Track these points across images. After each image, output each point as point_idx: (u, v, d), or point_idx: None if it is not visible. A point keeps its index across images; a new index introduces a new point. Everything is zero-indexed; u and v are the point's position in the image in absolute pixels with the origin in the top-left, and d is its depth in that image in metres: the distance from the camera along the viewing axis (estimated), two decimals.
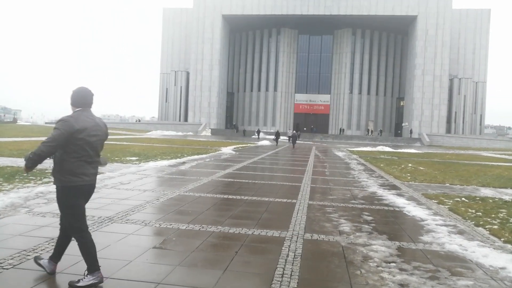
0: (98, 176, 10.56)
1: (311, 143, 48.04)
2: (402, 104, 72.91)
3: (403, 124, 69.75)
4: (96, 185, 9.30)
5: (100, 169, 12.54)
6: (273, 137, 41.60)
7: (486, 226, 6.89)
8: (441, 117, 63.41)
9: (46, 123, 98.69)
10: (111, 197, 8.09)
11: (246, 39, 78.70)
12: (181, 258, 4.58)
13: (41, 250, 4.63)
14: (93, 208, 6.97)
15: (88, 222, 5.92)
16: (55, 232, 5.33)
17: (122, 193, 8.63)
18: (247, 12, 67.46)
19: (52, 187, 8.65)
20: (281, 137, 55.64)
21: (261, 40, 76.80)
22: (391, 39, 74.61)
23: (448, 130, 66.43)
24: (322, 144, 46.53)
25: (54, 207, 6.90)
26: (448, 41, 63.24)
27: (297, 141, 41.82)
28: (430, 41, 62.84)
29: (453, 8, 65.44)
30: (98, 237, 5.21)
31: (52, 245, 4.77)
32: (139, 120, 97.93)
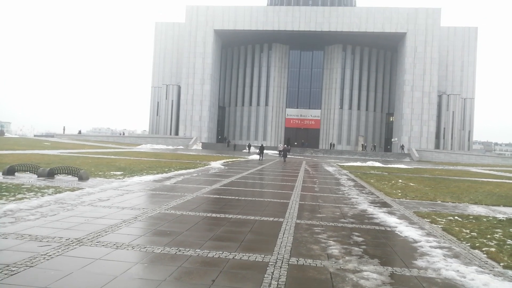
0: (75, 193, 10.11)
1: (301, 157, 47.71)
2: (391, 119, 73.29)
3: (392, 140, 69.97)
4: (72, 202, 8.85)
5: (80, 184, 12.08)
6: (257, 151, 40.05)
7: (483, 249, 6.52)
8: (430, 133, 63.75)
9: (35, 135, 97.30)
10: (85, 215, 7.57)
11: (238, 53, 78.92)
12: None
13: None
14: (62, 228, 6.47)
15: (54, 245, 5.43)
16: (14, 256, 4.83)
17: (99, 210, 8.11)
18: (239, 27, 67.74)
19: (24, 204, 8.12)
20: (271, 152, 55.38)
21: (253, 55, 77.08)
22: (380, 56, 75.43)
23: (437, 146, 66.76)
24: (313, 158, 46.23)
25: (21, 226, 6.38)
26: (436, 58, 64.03)
27: (287, 156, 41.95)
28: (419, 57, 63.57)
29: (441, 26, 66.48)
30: (60, 263, 4.73)
31: (6, 274, 4.26)
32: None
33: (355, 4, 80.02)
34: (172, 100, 74.07)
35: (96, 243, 5.67)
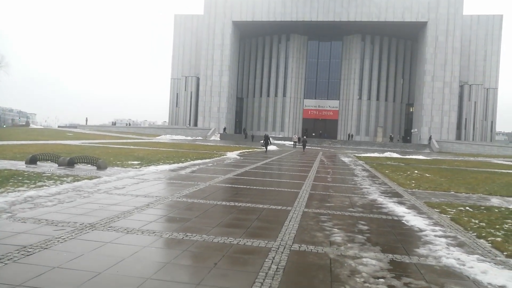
0: (93, 181, 10.49)
1: (319, 148, 47.57)
2: (411, 110, 72.01)
3: (412, 131, 68.82)
4: (89, 190, 9.22)
5: (98, 173, 12.51)
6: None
7: (489, 238, 6.52)
8: (451, 123, 62.40)
9: (59, 126, 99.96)
10: (100, 202, 7.90)
11: (256, 45, 78.76)
12: (154, 270, 4.33)
13: (8, 259, 4.41)
14: (77, 214, 6.80)
15: (68, 229, 5.74)
16: (30, 239, 5.14)
17: (113, 198, 8.43)
18: (257, 19, 67.53)
19: (43, 191, 8.51)
20: (288, 143, 55.25)
21: (271, 46, 76.78)
22: (400, 45, 73.91)
23: (458, 137, 65.32)
24: (330, 149, 46.02)
25: (39, 212, 6.74)
26: (458, 48, 62.35)
27: (306, 146, 42.36)
28: (440, 47, 62.02)
29: (464, 14, 64.54)
30: (73, 246, 5.01)
31: (22, 254, 4.57)
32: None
33: None
34: (191, 92, 74.74)
35: (108, 228, 5.96)
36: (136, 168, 14.62)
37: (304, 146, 41.78)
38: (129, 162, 16.71)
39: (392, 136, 69.66)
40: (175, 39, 78.94)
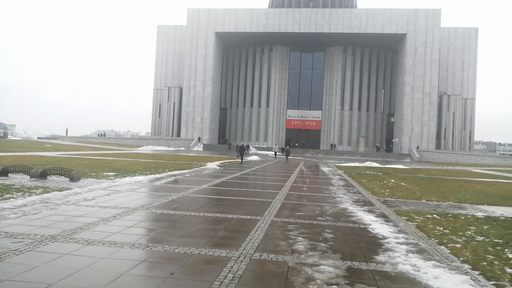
0: (62, 192, 10.34)
1: (301, 158, 47.84)
2: (392, 120, 73.26)
3: (393, 140, 69.93)
4: (57, 202, 9.09)
5: (70, 184, 12.34)
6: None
7: (449, 245, 6.68)
8: (430, 133, 63.67)
9: (38, 138, 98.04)
10: (66, 214, 7.80)
11: (239, 55, 79.28)
12: (108, 280, 4.31)
13: None
14: (40, 226, 6.71)
15: (27, 241, 5.66)
16: None
17: (81, 209, 8.34)
18: (240, 30, 68.05)
19: (9, 204, 8.36)
20: (271, 153, 55.35)
21: (254, 56, 77.39)
22: (381, 57, 75.44)
23: (438, 146, 66.63)
24: (312, 159, 46.34)
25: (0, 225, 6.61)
26: (437, 59, 63.98)
27: (287, 156, 42.67)
28: (419, 58, 63.53)
29: (442, 27, 66.39)
30: (28, 258, 4.95)
31: None
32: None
33: (355, 6, 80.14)
34: (174, 102, 74.56)
35: (69, 240, 5.89)
36: (111, 179, 14.47)
37: (287, 156, 42.53)
38: (105, 173, 16.54)
39: (379, 145, 70.86)
40: (158, 49, 78.88)
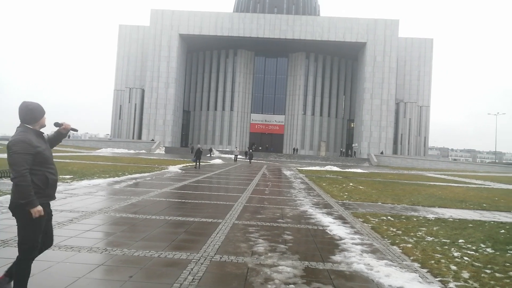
0: (7, 197, 9.87)
1: (264, 161, 48.25)
2: (352, 125, 75.58)
3: (353, 145, 72.14)
4: (7, 205, 8.68)
5: None
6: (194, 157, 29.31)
7: (401, 245, 7.03)
8: (388, 139, 66.22)
9: None
10: (6, 223, 7.47)
11: (203, 58, 78.93)
12: (64, 285, 4.22)
13: None
14: None
15: None
16: None
17: None
18: (204, 33, 67.82)
19: None
20: (232, 156, 55.36)
21: (218, 60, 77.35)
22: (342, 64, 77.72)
23: (395, 151, 69.41)
24: (275, 163, 46.87)
25: None
26: (394, 67, 66.76)
27: (250, 160, 43.11)
28: (378, 67, 66.02)
29: (399, 37, 69.39)
30: None
31: None
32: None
33: (318, 14, 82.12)
34: (135, 104, 73.05)
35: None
36: (67, 182, 13.99)
37: (250, 159, 44.23)
38: (61, 176, 15.94)
39: (343, 150, 73.14)
40: (119, 49, 77.02)
